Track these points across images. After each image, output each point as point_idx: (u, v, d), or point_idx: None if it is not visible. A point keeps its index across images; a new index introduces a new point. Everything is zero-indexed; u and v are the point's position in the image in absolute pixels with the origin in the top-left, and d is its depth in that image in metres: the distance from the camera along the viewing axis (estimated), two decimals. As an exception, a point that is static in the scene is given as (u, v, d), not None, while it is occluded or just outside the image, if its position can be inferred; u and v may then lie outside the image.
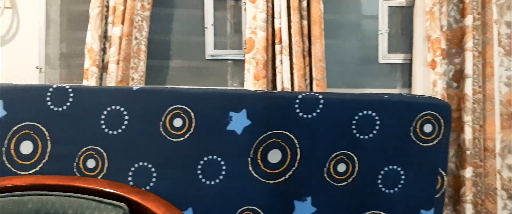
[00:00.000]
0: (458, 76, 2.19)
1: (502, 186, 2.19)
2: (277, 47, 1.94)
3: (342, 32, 2.24)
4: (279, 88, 1.93)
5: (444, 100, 1.13)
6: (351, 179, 1.07)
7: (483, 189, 2.16)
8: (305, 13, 1.99)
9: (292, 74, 1.97)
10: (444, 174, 1.15)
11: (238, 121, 1.02)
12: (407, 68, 2.24)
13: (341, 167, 1.06)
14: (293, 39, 1.95)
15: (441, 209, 1.19)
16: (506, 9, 2.20)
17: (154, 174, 1.05)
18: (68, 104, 1.08)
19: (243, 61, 1.99)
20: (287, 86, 1.93)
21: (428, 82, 2.11)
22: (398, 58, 2.24)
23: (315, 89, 1.95)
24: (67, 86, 1.10)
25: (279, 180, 1.04)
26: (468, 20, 2.10)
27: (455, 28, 2.19)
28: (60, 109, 1.08)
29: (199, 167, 1.03)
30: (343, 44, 2.23)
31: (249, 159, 1.03)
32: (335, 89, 2.11)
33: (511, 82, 2.21)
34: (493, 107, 2.14)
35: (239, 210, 1.04)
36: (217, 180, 1.03)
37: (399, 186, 1.10)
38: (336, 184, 1.06)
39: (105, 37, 1.92)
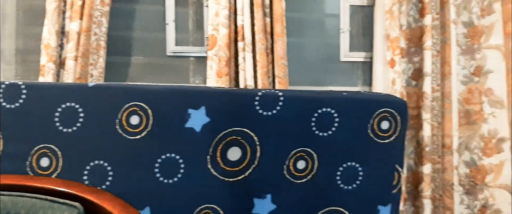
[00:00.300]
0: (417, 75, 2.24)
1: (459, 182, 2.25)
2: (240, 44, 1.93)
3: (305, 30, 2.25)
4: (242, 86, 1.93)
5: (401, 98, 1.15)
6: (310, 176, 1.07)
7: (441, 184, 2.22)
8: (268, 10, 1.99)
9: (255, 71, 1.96)
10: (400, 170, 1.17)
11: (197, 119, 1.01)
12: (368, 67, 2.28)
13: (301, 164, 1.07)
14: (257, 37, 1.94)
15: (397, 204, 1.21)
16: (463, 9, 2.26)
17: (110, 173, 1.02)
18: (21, 101, 1.04)
19: (205, 58, 1.97)
20: (251, 84, 1.92)
21: (387, 80, 2.15)
22: (359, 56, 2.27)
23: (277, 86, 1.96)
24: (20, 83, 1.06)
25: (239, 177, 1.03)
26: (427, 20, 2.15)
27: (414, 27, 2.23)
28: (12, 106, 1.03)
29: (157, 165, 1.01)
30: (306, 42, 2.24)
31: (208, 157, 1.01)
32: (298, 87, 2.13)
33: (468, 81, 2.28)
34: (451, 105, 2.20)
35: (198, 209, 1.03)
36: (175, 179, 1.02)
37: (357, 182, 1.11)
38: (295, 181, 1.06)
39: (62, 32, 1.86)
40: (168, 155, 1.01)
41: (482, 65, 2.27)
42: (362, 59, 2.28)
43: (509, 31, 2.27)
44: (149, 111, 1.00)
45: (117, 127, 1.01)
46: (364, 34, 2.29)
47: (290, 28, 2.05)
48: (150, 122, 1.00)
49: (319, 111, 1.06)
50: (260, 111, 1.02)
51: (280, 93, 1.03)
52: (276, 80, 1.98)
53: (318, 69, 2.24)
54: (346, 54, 2.26)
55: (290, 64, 2.04)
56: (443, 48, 2.21)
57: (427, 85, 2.15)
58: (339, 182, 1.10)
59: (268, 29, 1.99)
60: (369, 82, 2.26)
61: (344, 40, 2.24)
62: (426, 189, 2.15)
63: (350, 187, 1.11)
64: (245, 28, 1.92)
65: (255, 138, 1.03)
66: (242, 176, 1.04)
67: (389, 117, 1.11)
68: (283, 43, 1.98)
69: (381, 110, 1.09)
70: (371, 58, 2.23)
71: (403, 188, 2.19)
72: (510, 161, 2.25)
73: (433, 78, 2.19)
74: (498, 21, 2.26)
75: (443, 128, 2.21)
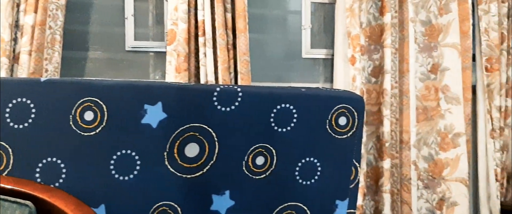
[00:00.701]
0: (377, 72, 2.28)
1: (418, 176, 2.31)
2: (200, 40, 1.91)
3: (267, 27, 2.25)
4: (203, 82, 1.91)
5: (358, 94, 1.16)
6: (269, 171, 1.07)
7: (399, 179, 2.27)
8: (229, 6, 1.98)
9: (216, 67, 1.95)
10: (358, 165, 1.19)
11: (153, 114, 0.98)
12: (329, 63, 2.30)
13: (260, 160, 1.06)
14: (217, 32, 1.93)
15: (355, 198, 1.22)
16: (421, 8, 2.32)
17: (64, 170, 0.99)
18: (-32, 96, 0.99)
19: (165, 53, 1.94)
20: (211, 80, 1.91)
21: (348, 77, 2.18)
22: (320, 53, 2.29)
23: (239, 82, 1.95)
24: (-33, 77, 1.01)
25: (197, 174, 1.02)
26: (387, 18, 2.19)
27: (374, 25, 2.27)
28: (-41, 102, 0.99)
29: (112, 162, 0.98)
30: (268, 38, 2.25)
31: (165, 153, 1.00)
32: (260, 83, 2.13)
33: (425, 78, 2.33)
34: (409, 102, 2.25)
35: (155, 206, 1.01)
36: (131, 176, 0.99)
37: (316, 177, 1.12)
38: (254, 177, 1.06)
39: (16, 26, 1.80)
40: (123, 151, 0.99)
41: (439, 63, 2.33)
42: (323, 56, 2.30)
43: (465, 30, 2.34)
44: (104, 106, 0.97)
45: (71, 123, 0.98)
46: (325, 31, 2.31)
47: (252, 24, 2.05)
48: (105, 118, 0.97)
49: (278, 107, 1.05)
50: (219, 107, 1.01)
51: (239, 89, 1.02)
52: (239, 76, 1.98)
53: (280, 66, 2.25)
54: (308, 51, 2.28)
55: (253, 60, 2.04)
56: (401, 45, 2.25)
57: (387, 82, 2.19)
58: (297, 177, 1.10)
59: (230, 25, 1.98)
60: (330, 78, 2.29)
61: (306, 37, 2.25)
62: (386, 183, 2.19)
63: (308, 182, 1.11)
64: (206, 23, 1.90)
65: (213, 134, 1.01)
66: (200, 172, 1.02)
67: (347, 113, 1.12)
68: (245, 39, 1.97)
69: (339, 106, 1.10)
70: (332, 55, 2.25)
71: (364, 183, 2.23)
72: (466, 155, 2.33)
73: (392, 75, 2.23)
74: (454, 20, 2.33)
75: (401, 124, 2.26)
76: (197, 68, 1.96)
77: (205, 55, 1.91)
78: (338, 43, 2.20)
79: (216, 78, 1.94)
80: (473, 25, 2.40)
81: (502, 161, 2.42)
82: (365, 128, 2.21)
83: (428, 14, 2.33)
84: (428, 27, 2.33)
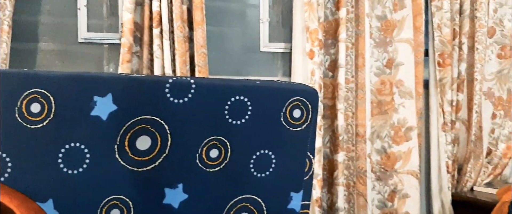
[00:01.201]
0: (333, 66, 2.31)
1: (371, 169, 2.36)
2: (155, 31, 1.88)
3: (225, 20, 2.24)
4: (157, 74, 1.88)
5: (312, 87, 1.16)
6: (223, 164, 1.06)
7: (355, 171, 2.31)
8: (186, -2, 1.96)
9: (173, 60, 1.93)
10: (312, 157, 1.20)
11: (103, 106, 0.96)
12: (287, 57, 2.31)
13: (214, 153, 1.05)
14: (175, 24, 1.91)
15: (309, 190, 1.23)
16: (377, 3, 2.36)
17: (9, 164, 0.95)
18: None
19: (120, 45, 1.90)
20: (168, 72, 1.88)
21: (306, 71, 2.20)
22: (278, 47, 2.30)
23: (197, 75, 1.94)
24: None
25: (149, 167, 1.00)
26: (342, 13, 2.21)
27: (331, 19, 2.30)
28: None
29: (60, 155, 0.95)
30: (226, 31, 2.23)
31: (115, 146, 0.97)
32: (218, 76, 2.12)
33: (380, 73, 2.38)
34: (364, 96, 2.30)
35: (105, 200, 0.98)
36: (80, 169, 0.96)
37: (270, 170, 1.12)
38: (208, 170, 1.05)
39: (-39, 15, 1.71)
40: (72, 144, 0.95)
41: (394, 58, 2.39)
42: (281, 50, 2.31)
43: (419, 25, 2.41)
44: (51, 98, 0.93)
45: (16, 115, 0.94)
46: (283, 25, 2.32)
47: (210, 17, 2.03)
48: (53, 110, 0.93)
49: (232, 99, 1.04)
50: (171, 99, 0.99)
51: (192, 81, 1.00)
52: (196, 69, 1.96)
53: (239, 59, 2.25)
54: (266, 45, 2.28)
55: (211, 54, 2.02)
56: (357, 40, 2.29)
57: (342, 76, 2.22)
58: (252, 170, 1.10)
59: (186, 17, 1.96)
60: (288, 72, 2.30)
61: (264, 31, 2.26)
62: (340, 176, 2.23)
63: (263, 175, 1.11)
64: (163, 15, 1.87)
65: (166, 126, 1.00)
66: (152, 165, 1.00)
67: (301, 106, 1.12)
68: (203, 32, 1.95)
69: (293, 98, 1.10)
70: (291, 49, 2.26)
71: (320, 176, 2.25)
72: (417, 149, 2.40)
73: (347, 70, 2.27)
74: (409, 15, 2.39)
75: (357, 117, 2.30)
76: (152, 60, 1.93)
77: (160, 47, 1.88)
78: (297, 37, 2.21)
79: (174, 71, 1.92)
80: (427, 21, 2.47)
81: (453, 153, 2.51)
82: (322, 122, 2.24)
83: (383, 10, 2.37)
84: (384, 22, 2.37)
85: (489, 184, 2.56)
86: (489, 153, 2.60)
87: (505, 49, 2.59)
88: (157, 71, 1.88)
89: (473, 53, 2.50)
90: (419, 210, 2.41)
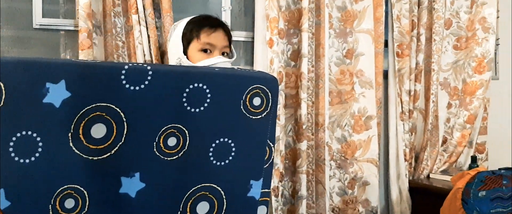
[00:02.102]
0: (296, 56, 2.32)
1: (332, 157, 2.39)
2: (134, 17, 1.86)
3: (188, 7, 2.21)
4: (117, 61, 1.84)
5: (272, 75, 1.16)
6: (182, 152, 1.05)
7: (314, 160, 2.34)
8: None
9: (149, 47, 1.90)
10: (272, 145, 1.20)
11: (56, 93, 0.92)
12: (249, 46, 2.30)
13: (172, 141, 1.04)
14: (146, 11, 1.88)
15: (269, 178, 1.24)
16: (337, -6, 2.38)
17: (-44, 154, 0.91)
18: None
19: (77, 31, 1.84)
20: (148, 59, 1.87)
21: (266, 60, 2.20)
22: (240, 35, 2.28)
23: (166, 62, 1.91)
24: None
25: (104, 156, 0.98)
26: (304, 3, 2.22)
27: (293, 9, 2.30)
28: None
29: (11, 144, 0.91)
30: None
31: (69, 134, 0.94)
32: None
33: (340, 63, 2.41)
34: (324, 85, 2.32)
35: (59, 189, 0.96)
36: (33, 158, 0.93)
37: (230, 158, 1.11)
38: (166, 158, 1.03)
39: None
40: (24, 133, 0.92)
41: (354, 48, 2.42)
42: (243, 39, 2.30)
43: (379, 16, 2.44)
44: (1, 85, 0.89)
45: (-37, 103, 0.90)
46: (245, 14, 2.30)
47: (173, 4, 2.00)
48: (3, 97, 0.90)
49: (191, 86, 1.03)
50: (127, 86, 0.96)
51: (149, 67, 0.98)
52: (166, 57, 1.93)
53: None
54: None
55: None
56: (318, 30, 2.30)
57: (304, 65, 2.24)
58: (211, 158, 1.09)
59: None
60: (251, 61, 2.29)
61: (226, 19, 2.24)
62: (303, 164, 2.25)
63: (222, 163, 1.11)
64: (138, 2, 1.85)
65: (122, 114, 0.97)
66: (108, 154, 0.98)
67: (261, 94, 1.12)
68: (171, 19, 1.93)
69: (253, 86, 1.10)
70: (253, 37, 2.26)
71: (282, 165, 2.27)
72: (377, 137, 2.45)
73: (309, 59, 2.28)
74: (369, 6, 2.42)
75: (317, 106, 2.33)
76: (116, 47, 1.90)
77: (140, 33, 1.86)
78: (258, 26, 2.20)
79: (151, 59, 1.90)
80: (386, 12, 2.51)
81: (411, 142, 2.58)
82: (284, 111, 2.25)
83: (344, 0, 2.39)
84: (344, 12, 2.40)
85: (444, 172, 2.64)
86: (444, 141, 2.69)
87: (460, 40, 2.67)
88: (140, 59, 1.87)
89: (430, 44, 2.57)
90: (378, 197, 2.47)
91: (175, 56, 1.48)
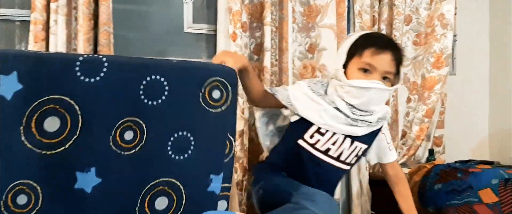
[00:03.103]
0: (259, 49, 2.31)
1: (295, 151, 2.40)
2: (53, 6, 1.77)
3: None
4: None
5: (231, 67, 1.16)
6: (139, 147, 1.03)
7: (278, 154, 2.34)
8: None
9: (76, 38, 1.83)
10: (232, 139, 1.20)
11: (8, 85, 0.89)
12: (212, 39, 2.28)
13: (129, 135, 1.02)
14: (80, 0, 1.81)
15: (230, 172, 1.24)
16: (300, -12, 2.38)
17: None
18: None
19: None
20: (62, 50, 1.79)
21: (230, 53, 2.18)
22: (203, 28, 2.26)
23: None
24: None
25: (58, 150, 0.95)
26: (267, -4, 2.21)
27: (256, 2, 2.30)
28: None
29: (-41, 138, 0.88)
30: (149, 10, 2.16)
31: (21, 128, 0.91)
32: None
33: (303, 57, 2.42)
34: (287, 79, 2.32)
35: (11, 186, 0.93)
36: (-19, 153, 0.90)
37: (189, 152, 1.10)
38: (123, 152, 1.01)
39: None
40: (-29, 126, 0.89)
41: (317, 43, 2.43)
42: (206, 32, 2.28)
43: (341, 12, 2.46)
44: None
45: None
46: (208, 6, 2.28)
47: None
48: (-51, 89, 0.86)
49: (148, 78, 1.01)
50: (82, 78, 0.94)
51: (105, 59, 0.96)
52: (98, 48, 1.86)
53: (161, 40, 2.19)
54: (190, 26, 2.24)
55: (132, 34, 1.95)
56: (281, 24, 2.31)
57: (267, 59, 2.23)
58: (170, 152, 1.08)
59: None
60: (213, 55, 2.27)
61: (188, 11, 2.21)
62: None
63: (181, 157, 1.10)
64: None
65: (76, 107, 0.95)
66: (62, 148, 0.95)
67: (220, 86, 1.12)
68: (107, 8, 1.85)
69: (212, 79, 1.09)
70: (215, 30, 2.24)
71: (242, 160, 2.27)
72: (339, 131, 2.47)
73: (272, 53, 2.28)
74: (332, 2, 2.43)
75: (281, 100, 2.33)
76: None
77: (56, 23, 1.77)
78: (221, 19, 2.18)
79: (75, 50, 1.81)
80: (348, 7, 2.53)
81: (371, 136, 2.62)
82: (247, 105, 2.25)
83: (307, -5, 2.41)
84: (307, 7, 2.41)
85: (403, 164, 2.70)
86: (404, 135, 2.74)
87: (420, 36, 2.73)
88: (51, 49, 1.77)
89: (391, 40, 2.61)
90: (340, 191, 2.50)
91: (334, 65, 1.43)
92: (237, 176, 2.18)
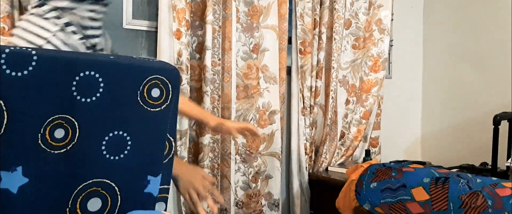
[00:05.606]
0: (200, 48, 2.28)
1: (236, 152, 2.39)
2: None
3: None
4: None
5: (172, 65, 1.12)
6: (71, 145, 0.97)
7: (220, 154, 2.33)
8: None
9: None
10: (172, 139, 1.16)
11: None
12: (153, 36, 2.23)
13: (59, 133, 0.96)
14: None
15: (169, 174, 1.20)
16: (244, -13, 2.37)
17: None
18: None
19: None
20: None
21: (173, 51, 2.14)
22: (143, 25, 2.20)
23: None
24: None
25: (-20, 148, 0.88)
26: (210, -6, 2.19)
27: (199, 1, 2.26)
28: None
29: None
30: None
31: None
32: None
33: (247, 57, 2.41)
34: (231, 79, 2.31)
35: None
36: None
37: (125, 152, 1.05)
38: (53, 151, 0.95)
39: None
40: None
41: (260, 43, 2.44)
42: (146, 28, 2.22)
43: (283, 13, 2.49)
44: None
45: None
46: (148, 3, 2.22)
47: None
48: None
49: (81, 74, 0.96)
50: (8, 72, 0.87)
51: (33, 52, 0.90)
52: None
53: (99, 35, 2.10)
54: (129, 22, 2.17)
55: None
56: (224, 24, 2.29)
57: (208, 58, 2.21)
58: (104, 152, 1.03)
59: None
60: (154, 52, 2.22)
61: (127, 6, 2.14)
62: (205, 158, 2.23)
63: (117, 158, 1.05)
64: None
65: (2, 102, 0.88)
66: (-16, 146, 0.88)
67: (160, 85, 1.08)
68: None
69: (151, 76, 1.05)
70: (156, 27, 2.18)
71: (186, 159, 2.23)
72: (280, 131, 2.49)
73: (214, 53, 2.26)
74: (274, 3, 2.45)
75: (223, 100, 2.31)
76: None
77: None
78: (163, 16, 2.13)
79: None
80: (291, 9, 2.56)
81: (311, 136, 2.66)
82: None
83: (251, -5, 2.40)
84: (251, 7, 2.41)
85: (341, 164, 2.76)
86: (342, 136, 2.81)
87: (359, 40, 2.80)
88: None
89: (331, 43, 2.66)
90: (280, 190, 2.52)
91: None
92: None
